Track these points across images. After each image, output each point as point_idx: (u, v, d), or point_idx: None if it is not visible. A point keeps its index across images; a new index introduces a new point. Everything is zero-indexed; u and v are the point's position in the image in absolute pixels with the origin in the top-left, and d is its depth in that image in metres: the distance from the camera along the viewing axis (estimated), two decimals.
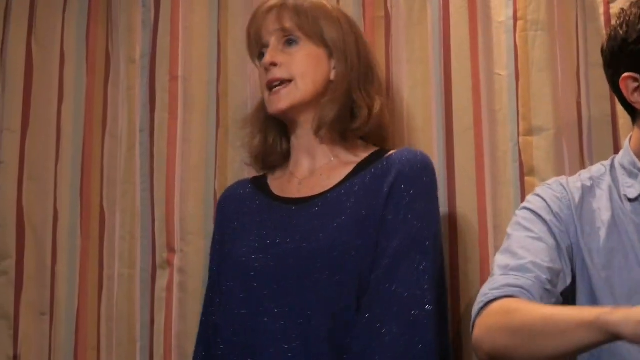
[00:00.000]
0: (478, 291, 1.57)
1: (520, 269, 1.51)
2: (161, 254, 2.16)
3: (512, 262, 1.53)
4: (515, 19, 1.94)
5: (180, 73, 2.21)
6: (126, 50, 2.28)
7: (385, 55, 2.07)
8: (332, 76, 1.83)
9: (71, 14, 2.33)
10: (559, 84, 1.90)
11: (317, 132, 1.82)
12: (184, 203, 2.16)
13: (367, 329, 1.62)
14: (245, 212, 1.85)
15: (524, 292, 1.47)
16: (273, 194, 1.86)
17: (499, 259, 1.57)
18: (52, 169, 2.28)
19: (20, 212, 2.26)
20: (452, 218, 1.95)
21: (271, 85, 1.82)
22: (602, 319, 1.26)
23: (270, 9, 1.85)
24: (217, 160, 2.16)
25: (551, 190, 1.63)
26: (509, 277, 1.50)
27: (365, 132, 1.85)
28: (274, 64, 1.81)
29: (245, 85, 2.16)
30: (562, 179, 1.67)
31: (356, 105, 1.83)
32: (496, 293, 1.49)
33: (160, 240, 2.16)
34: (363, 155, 1.83)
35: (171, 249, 2.14)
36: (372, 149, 1.84)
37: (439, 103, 1.99)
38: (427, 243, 1.69)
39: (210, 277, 1.91)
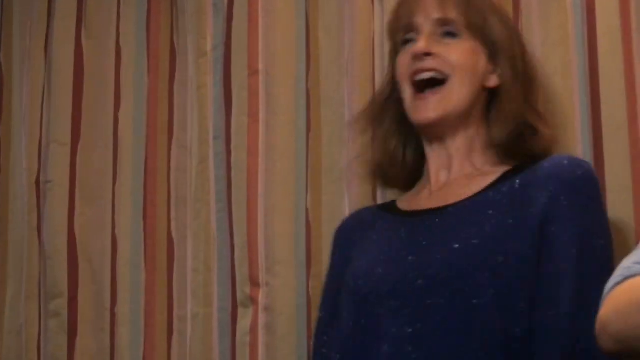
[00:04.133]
0: None
1: None
2: (243, 289, 2.20)
3: None
4: None
5: (261, 66, 2.25)
6: (195, 41, 2.34)
7: None
8: (490, 82, 1.86)
9: (128, 0, 2.42)
10: None
11: (485, 151, 1.86)
12: (269, 226, 2.20)
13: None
14: (369, 235, 1.90)
15: None
16: (401, 210, 1.90)
17: None
18: (109, 189, 2.38)
19: (72, 241, 2.37)
20: None
21: (418, 78, 1.84)
22: None
23: None
24: (309, 172, 2.19)
25: None
26: None
27: (536, 152, 1.86)
28: (429, 54, 1.84)
29: (341, 80, 2.18)
30: None
31: (527, 124, 1.85)
32: (626, 271, 1.50)
33: (242, 272, 2.21)
34: (508, 165, 1.86)
35: (255, 283, 2.19)
36: (518, 161, 1.86)
37: (583, 95, 1.99)
38: (607, 255, 1.73)
39: (325, 301, 1.93)
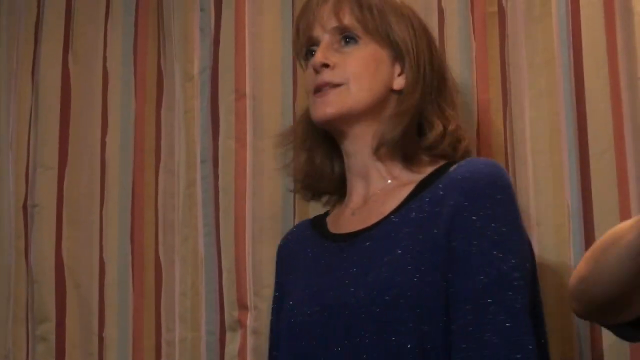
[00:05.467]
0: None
1: None
2: (231, 313, 2.21)
3: None
4: None
5: (248, 90, 2.26)
6: (182, 65, 2.35)
7: (500, 60, 2.08)
8: (396, 85, 1.84)
9: (114, 24, 2.44)
10: None
11: (376, 151, 1.83)
12: (256, 249, 2.21)
13: None
14: (301, 259, 1.88)
15: None
16: (328, 231, 1.89)
17: None
18: (97, 213, 2.38)
19: (59, 265, 2.36)
20: None
21: (319, 91, 1.83)
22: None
23: None
24: (296, 195, 2.17)
25: None
26: None
27: (438, 152, 1.85)
28: (325, 65, 1.82)
29: None
30: None
31: (426, 121, 1.85)
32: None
33: (230, 296, 2.21)
34: (426, 172, 1.82)
35: (243, 306, 2.19)
36: (438, 164, 1.84)
37: (569, 118, 1.99)
38: (516, 275, 1.65)
39: (270, 342, 1.94)
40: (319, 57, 1.83)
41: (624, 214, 1.92)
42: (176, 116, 2.35)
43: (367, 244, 1.76)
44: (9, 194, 2.45)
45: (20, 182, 2.44)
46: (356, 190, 1.87)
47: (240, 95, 2.28)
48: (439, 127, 1.84)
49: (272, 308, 1.95)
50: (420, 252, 1.68)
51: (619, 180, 1.94)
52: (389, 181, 1.84)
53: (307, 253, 1.88)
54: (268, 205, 2.22)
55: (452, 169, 1.77)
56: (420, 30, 1.88)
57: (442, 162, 1.84)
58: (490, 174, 1.72)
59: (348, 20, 1.84)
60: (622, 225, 1.47)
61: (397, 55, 1.84)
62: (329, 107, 1.81)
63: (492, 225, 1.67)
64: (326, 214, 1.96)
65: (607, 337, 1.89)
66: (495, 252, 1.66)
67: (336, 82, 1.81)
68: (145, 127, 2.39)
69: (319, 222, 1.94)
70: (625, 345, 1.86)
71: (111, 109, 2.41)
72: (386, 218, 1.77)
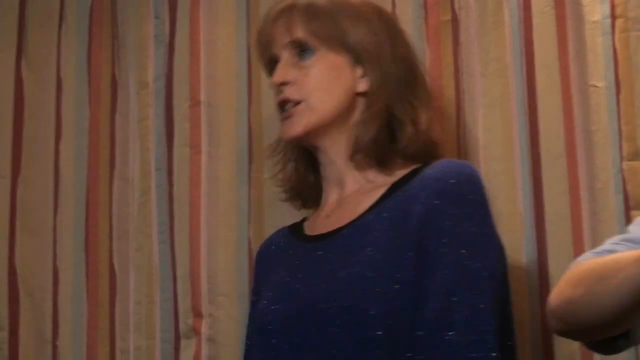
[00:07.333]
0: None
1: (635, 240, 1.53)
2: (185, 321, 2.21)
3: (627, 235, 1.56)
4: (614, 17, 1.93)
5: (202, 98, 2.26)
6: (136, 73, 2.35)
7: (454, 68, 2.10)
8: (361, 87, 1.84)
9: (68, 32, 2.42)
10: None
11: (352, 158, 1.84)
12: (211, 257, 2.20)
13: None
14: (280, 263, 1.88)
15: None
16: (304, 235, 1.90)
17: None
18: (50, 221, 2.35)
19: (12, 273, 2.34)
20: (542, 266, 1.95)
21: (283, 107, 1.85)
22: None
23: (279, 14, 1.88)
24: (251, 204, 2.20)
25: None
26: (618, 245, 1.53)
27: (412, 152, 1.85)
28: (284, 83, 1.85)
29: None
30: None
31: (397, 120, 1.84)
32: (590, 255, 1.54)
33: (184, 304, 2.21)
34: (400, 174, 1.82)
35: (198, 314, 2.19)
36: (412, 167, 1.83)
37: (521, 125, 2.02)
38: (484, 275, 1.65)
39: (248, 327, 1.91)
40: (276, 76, 1.85)
41: (576, 220, 1.95)
42: (131, 124, 2.35)
43: (339, 242, 1.77)
44: None
45: None
46: (331, 196, 1.88)
47: (195, 102, 2.28)
48: (409, 128, 1.84)
49: (251, 316, 1.92)
50: (393, 249, 1.69)
51: (571, 187, 1.97)
52: (363, 184, 1.85)
53: (286, 257, 1.88)
54: (223, 213, 2.21)
55: (425, 169, 1.77)
56: (380, 27, 1.87)
57: (415, 165, 1.83)
58: (462, 173, 1.73)
59: (300, 32, 1.85)
60: (617, 257, 1.46)
61: (356, 58, 1.84)
62: (295, 126, 1.83)
63: (462, 224, 1.68)
64: (303, 220, 1.96)
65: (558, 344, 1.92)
66: (463, 251, 1.66)
67: (295, 99, 1.83)
68: (99, 135, 2.37)
69: (296, 228, 1.94)
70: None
71: (65, 117, 2.39)
72: (359, 218, 1.78)
